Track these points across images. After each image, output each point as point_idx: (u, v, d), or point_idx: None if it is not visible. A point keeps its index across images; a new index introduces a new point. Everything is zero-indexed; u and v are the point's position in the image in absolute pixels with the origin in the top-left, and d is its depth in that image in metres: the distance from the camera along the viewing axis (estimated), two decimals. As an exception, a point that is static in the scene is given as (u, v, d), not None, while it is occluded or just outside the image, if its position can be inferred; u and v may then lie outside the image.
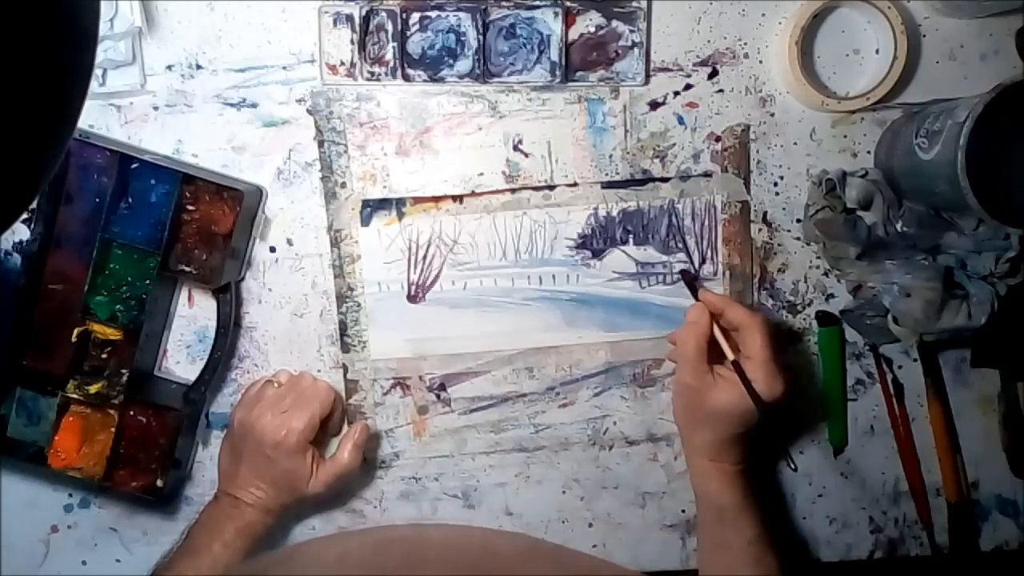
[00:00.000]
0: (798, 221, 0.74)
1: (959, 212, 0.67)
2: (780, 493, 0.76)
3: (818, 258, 0.74)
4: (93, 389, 0.69)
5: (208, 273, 0.69)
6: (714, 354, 0.67)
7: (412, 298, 0.74)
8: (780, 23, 0.72)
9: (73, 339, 0.68)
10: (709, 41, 0.72)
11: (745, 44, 0.72)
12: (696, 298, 0.70)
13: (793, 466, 0.68)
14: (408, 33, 0.70)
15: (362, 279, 0.74)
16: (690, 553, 0.76)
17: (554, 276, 0.74)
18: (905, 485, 0.76)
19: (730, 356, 0.66)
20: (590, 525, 0.77)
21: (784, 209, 0.74)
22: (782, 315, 0.75)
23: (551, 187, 0.73)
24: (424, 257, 0.74)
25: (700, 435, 0.68)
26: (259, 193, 0.72)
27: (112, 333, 0.69)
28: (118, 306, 0.68)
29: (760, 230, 0.74)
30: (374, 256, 0.74)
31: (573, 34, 0.71)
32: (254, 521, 0.69)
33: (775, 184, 0.73)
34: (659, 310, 0.74)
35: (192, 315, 0.75)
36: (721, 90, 0.72)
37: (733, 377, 0.65)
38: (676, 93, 0.72)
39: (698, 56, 0.72)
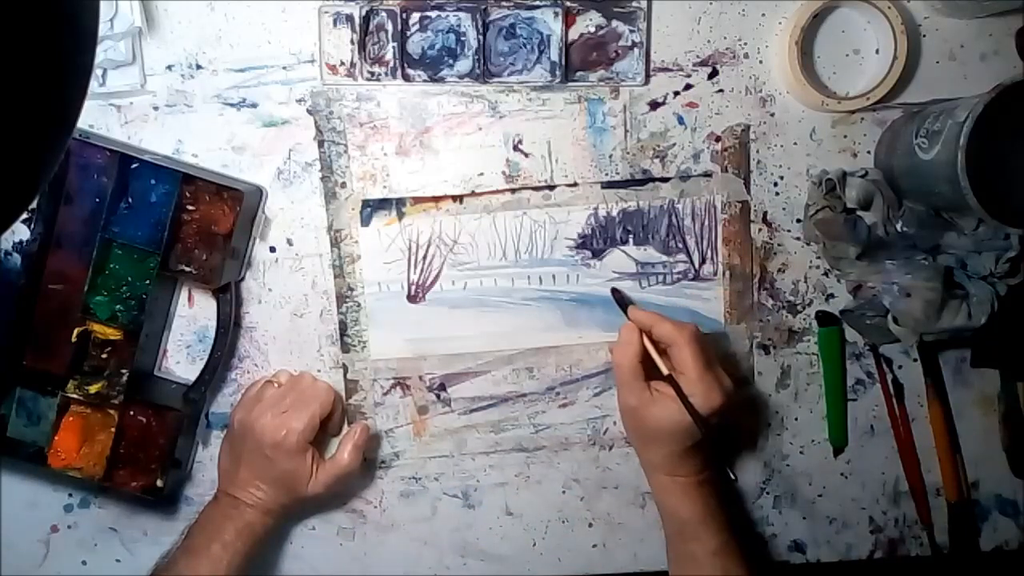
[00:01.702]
0: (798, 221, 0.74)
1: (959, 212, 0.67)
2: (780, 493, 0.77)
3: (818, 258, 0.74)
4: (93, 389, 0.69)
5: (208, 273, 0.69)
6: (653, 370, 0.66)
7: (412, 298, 0.74)
8: (780, 23, 0.72)
9: (73, 339, 0.68)
10: (709, 41, 0.72)
11: (745, 44, 0.72)
12: (626, 316, 0.70)
13: (733, 476, 0.66)
14: (408, 33, 0.70)
15: (362, 279, 0.74)
16: (690, 553, 0.76)
17: (554, 276, 0.74)
18: (905, 485, 0.76)
19: (664, 371, 0.65)
20: (590, 525, 0.77)
21: (784, 209, 0.74)
22: (782, 315, 0.75)
23: (551, 187, 0.73)
24: (424, 257, 0.74)
25: (652, 452, 0.68)
26: (259, 193, 0.72)
27: (112, 333, 0.69)
28: (118, 306, 0.68)
29: (760, 230, 0.74)
30: (374, 256, 0.74)
31: (573, 34, 0.71)
32: (253, 521, 0.69)
33: (775, 184, 0.73)
34: (659, 310, 0.74)
35: (192, 315, 0.75)
36: (721, 90, 0.72)
37: (672, 392, 0.64)
38: (676, 93, 0.72)
39: (698, 56, 0.72)
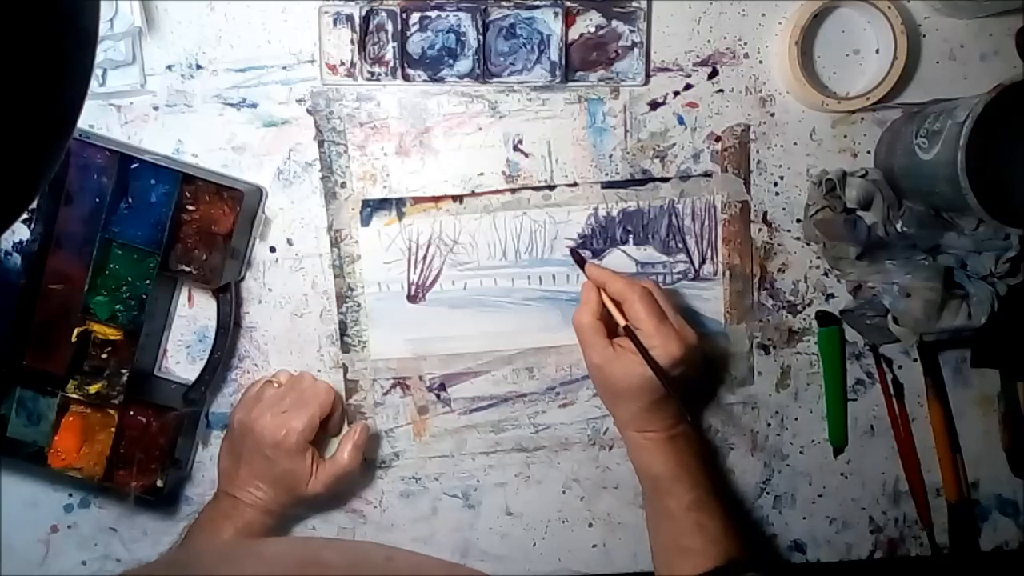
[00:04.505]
0: (798, 221, 0.74)
1: (959, 212, 0.67)
2: (780, 493, 0.77)
3: (818, 258, 0.74)
4: (93, 389, 0.69)
5: (208, 273, 0.69)
6: (615, 327, 0.67)
7: (412, 298, 0.74)
8: (780, 23, 0.72)
9: (73, 339, 0.68)
10: (709, 41, 0.72)
11: (745, 44, 0.72)
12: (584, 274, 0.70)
13: (688, 419, 0.67)
14: (408, 33, 0.70)
15: (362, 279, 0.74)
16: (690, 553, 0.76)
17: (554, 276, 0.74)
18: (905, 485, 0.76)
19: (622, 323, 0.66)
20: (590, 525, 0.77)
21: (784, 209, 0.74)
22: (782, 315, 0.75)
23: (551, 187, 0.73)
24: (424, 257, 0.74)
25: (621, 409, 0.68)
26: (259, 193, 0.72)
27: (112, 333, 0.69)
28: (118, 306, 0.68)
29: (760, 230, 0.74)
30: (374, 256, 0.74)
31: (573, 34, 0.71)
32: (253, 521, 0.70)
33: (775, 184, 0.73)
34: (659, 310, 0.74)
35: (192, 315, 0.75)
36: (721, 90, 0.72)
37: (633, 347, 0.64)
38: (676, 93, 0.72)
39: (698, 56, 0.72)
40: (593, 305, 0.67)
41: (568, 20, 0.70)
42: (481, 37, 0.70)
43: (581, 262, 0.72)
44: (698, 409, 0.76)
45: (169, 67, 0.72)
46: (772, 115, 0.73)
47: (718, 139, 0.73)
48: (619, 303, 0.67)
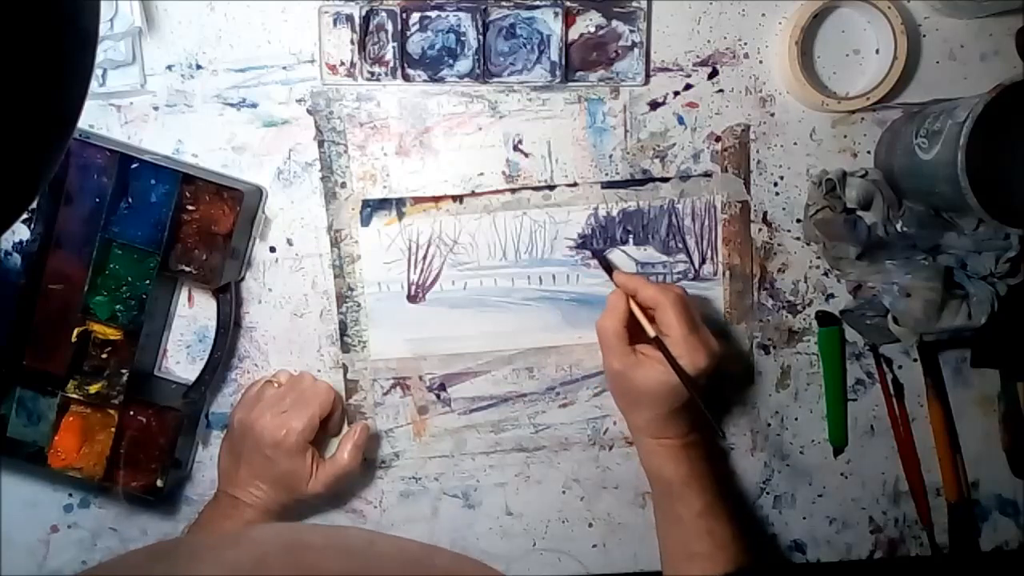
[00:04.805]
0: (798, 221, 0.74)
1: (959, 212, 0.67)
2: (780, 493, 0.77)
3: (818, 258, 0.74)
4: (93, 389, 0.69)
5: (208, 273, 0.69)
6: (638, 334, 0.67)
7: (412, 298, 0.74)
8: (780, 23, 0.72)
9: (73, 339, 0.68)
10: (709, 41, 0.72)
11: (745, 44, 0.72)
12: (612, 280, 0.70)
13: (721, 434, 0.68)
14: (408, 33, 0.70)
15: (362, 279, 0.74)
16: (690, 553, 0.76)
17: (554, 276, 0.74)
18: (905, 485, 0.76)
19: (651, 333, 0.65)
20: (590, 525, 0.77)
21: (784, 209, 0.74)
22: (782, 315, 0.75)
23: (551, 187, 0.73)
24: (424, 257, 0.74)
25: (638, 415, 0.68)
26: (259, 193, 0.72)
27: (112, 333, 0.69)
28: (118, 306, 0.68)
29: (760, 230, 0.74)
30: (374, 256, 0.74)
31: (573, 34, 0.71)
32: (253, 521, 0.69)
33: (775, 184, 0.73)
34: (659, 310, 0.74)
35: (192, 315, 0.75)
36: (721, 90, 0.72)
37: (658, 355, 0.64)
38: (676, 93, 0.72)
39: (698, 56, 0.72)
40: (620, 312, 0.67)
41: (568, 20, 0.70)
42: (481, 37, 0.70)
43: (609, 269, 0.72)
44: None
45: (169, 67, 0.72)
46: (772, 115, 0.73)
47: (718, 139, 0.73)
48: (648, 309, 0.67)
